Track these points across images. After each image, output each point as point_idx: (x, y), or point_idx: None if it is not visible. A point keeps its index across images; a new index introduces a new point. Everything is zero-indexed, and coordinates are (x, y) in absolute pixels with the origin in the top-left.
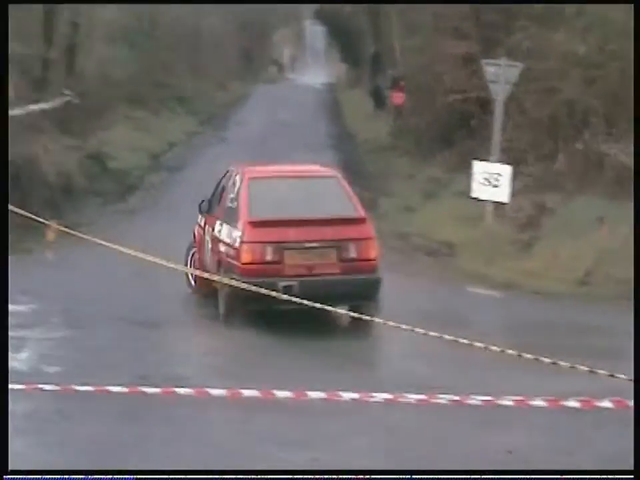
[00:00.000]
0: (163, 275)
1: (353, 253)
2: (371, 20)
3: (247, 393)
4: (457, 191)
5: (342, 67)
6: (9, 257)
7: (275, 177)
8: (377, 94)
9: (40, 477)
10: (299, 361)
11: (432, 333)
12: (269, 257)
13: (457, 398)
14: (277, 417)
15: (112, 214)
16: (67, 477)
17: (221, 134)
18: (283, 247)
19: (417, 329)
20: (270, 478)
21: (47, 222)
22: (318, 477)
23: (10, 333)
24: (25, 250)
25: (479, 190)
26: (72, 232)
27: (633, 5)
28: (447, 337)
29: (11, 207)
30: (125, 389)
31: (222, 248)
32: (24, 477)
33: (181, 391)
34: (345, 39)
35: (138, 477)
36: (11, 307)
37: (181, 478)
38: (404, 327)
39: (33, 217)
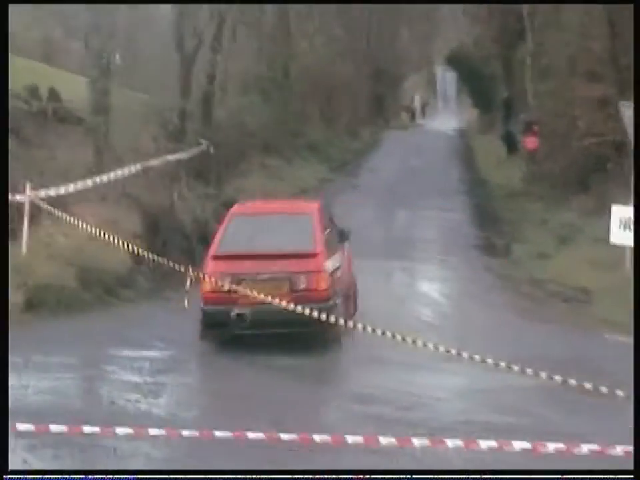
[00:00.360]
0: None
1: (303, 284)
2: (503, 64)
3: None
4: (593, 236)
5: (473, 112)
6: (149, 306)
7: (255, 213)
8: (510, 139)
9: (40, 476)
10: None
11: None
12: (225, 287)
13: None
14: None
15: None
16: (66, 477)
17: (352, 181)
18: (238, 278)
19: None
20: (270, 478)
21: (184, 270)
22: (318, 476)
23: (148, 379)
24: (164, 298)
25: (617, 235)
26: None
27: (632, 4)
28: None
29: (151, 256)
30: (261, 435)
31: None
32: (24, 476)
33: (317, 437)
34: (477, 84)
35: (138, 477)
36: (148, 353)
37: (180, 478)
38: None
39: (173, 265)
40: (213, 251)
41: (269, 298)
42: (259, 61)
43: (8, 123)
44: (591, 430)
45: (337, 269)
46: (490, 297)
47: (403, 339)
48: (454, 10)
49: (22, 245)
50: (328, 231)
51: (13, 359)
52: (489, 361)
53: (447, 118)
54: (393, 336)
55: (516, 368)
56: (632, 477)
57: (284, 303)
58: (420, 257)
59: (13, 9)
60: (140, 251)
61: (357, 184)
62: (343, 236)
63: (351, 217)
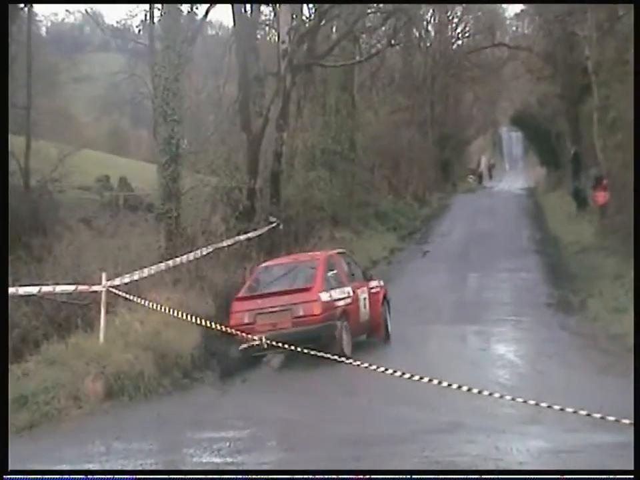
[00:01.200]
0: (378, 389)
1: (301, 312)
2: (569, 121)
3: None
4: None
5: (541, 170)
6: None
7: (275, 264)
8: (579, 195)
9: (40, 477)
10: None
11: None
12: (246, 320)
13: None
14: None
15: None
16: (66, 476)
17: (422, 247)
18: (255, 313)
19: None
20: (270, 478)
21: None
22: (318, 476)
23: (228, 459)
24: (240, 378)
25: None
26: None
27: (633, 4)
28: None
29: (228, 331)
30: None
31: None
32: (24, 476)
33: None
34: (543, 142)
35: (138, 477)
36: (227, 434)
37: (180, 478)
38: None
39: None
40: (238, 294)
41: (277, 325)
42: (325, 134)
43: (8, 123)
44: None
45: (342, 299)
46: (567, 355)
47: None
48: (517, 68)
49: (99, 335)
50: (334, 272)
51: (95, 448)
52: (581, 412)
53: (515, 178)
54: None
55: (611, 418)
56: (632, 477)
57: (288, 327)
58: (494, 319)
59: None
60: (217, 326)
61: (427, 250)
62: (365, 275)
63: (423, 283)
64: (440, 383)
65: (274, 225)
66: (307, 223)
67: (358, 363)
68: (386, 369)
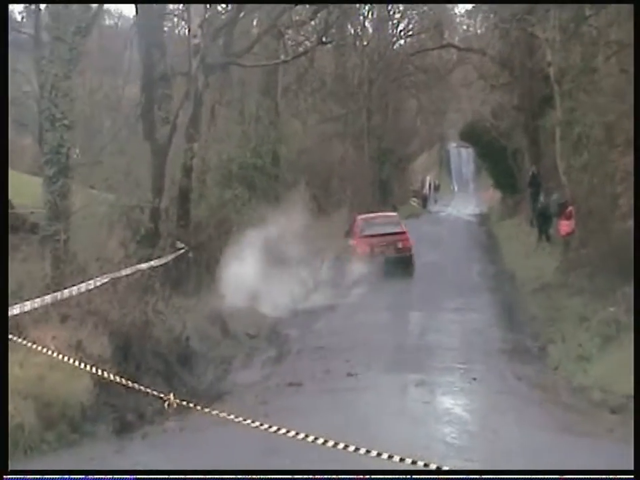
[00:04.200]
0: (304, 449)
1: (400, 245)
2: (528, 137)
3: None
4: None
5: (495, 194)
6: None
7: (370, 217)
8: (540, 223)
9: (40, 476)
10: None
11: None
12: (368, 251)
13: None
14: None
15: (236, 384)
16: (66, 476)
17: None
18: (373, 246)
19: None
20: (270, 478)
21: (163, 397)
22: (318, 476)
23: None
24: (138, 432)
25: None
26: (192, 406)
27: (633, 4)
28: None
29: (124, 382)
30: None
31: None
32: (24, 476)
33: None
34: (498, 160)
35: (138, 477)
36: None
37: (180, 478)
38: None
39: (149, 390)
40: (357, 234)
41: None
42: (243, 146)
43: (8, 123)
44: None
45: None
46: (524, 411)
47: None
48: (468, 74)
49: None
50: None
51: None
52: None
53: (464, 202)
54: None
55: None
56: (632, 477)
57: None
58: (439, 368)
59: None
60: (110, 376)
61: (365, 282)
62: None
63: (355, 324)
64: (325, 442)
65: (182, 251)
66: (220, 250)
67: (250, 421)
68: (270, 427)
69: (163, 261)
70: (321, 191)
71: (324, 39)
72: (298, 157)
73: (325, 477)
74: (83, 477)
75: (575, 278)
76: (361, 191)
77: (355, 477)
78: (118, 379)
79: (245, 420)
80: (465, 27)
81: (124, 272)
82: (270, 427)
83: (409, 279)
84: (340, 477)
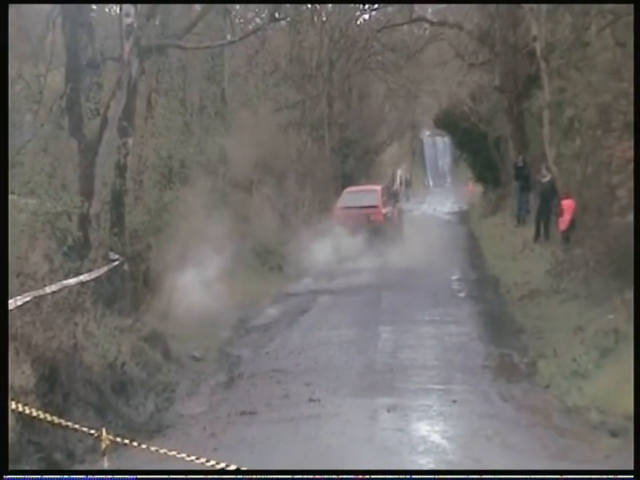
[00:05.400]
0: None
1: (373, 217)
2: (512, 122)
3: None
4: None
5: (475, 189)
6: None
7: (353, 191)
8: (538, 218)
9: (40, 476)
10: None
11: None
12: (343, 221)
13: None
14: None
15: (181, 415)
16: (66, 477)
17: (318, 293)
18: (348, 215)
19: None
20: (270, 478)
21: (94, 432)
22: (318, 476)
23: None
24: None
25: None
26: (127, 442)
27: (633, 4)
28: None
29: (49, 417)
30: None
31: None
32: (24, 476)
33: None
34: (478, 150)
35: (138, 477)
36: None
37: (180, 478)
38: None
39: (77, 427)
40: (339, 205)
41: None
42: (185, 140)
43: (8, 123)
44: None
45: (388, 212)
46: (511, 436)
47: None
48: (442, 52)
49: None
50: (385, 197)
51: None
52: None
53: (441, 198)
54: None
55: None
56: (632, 477)
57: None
58: (414, 389)
59: None
60: (33, 411)
61: (331, 289)
62: (395, 198)
63: (318, 341)
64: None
65: (116, 263)
66: (161, 261)
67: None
68: (217, 463)
69: (94, 274)
70: (276, 190)
71: (277, 15)
72: (248, 152)
73: (325, 476)
74: (83, 476)
75: (568, 282)
76: (322, 188)
77: (355, 476)
78: (42, 414)
79: (189, 456)
80: None
81: (49, 289)
82: (217, 463)
83: (379, 289)
84: (340, 476)
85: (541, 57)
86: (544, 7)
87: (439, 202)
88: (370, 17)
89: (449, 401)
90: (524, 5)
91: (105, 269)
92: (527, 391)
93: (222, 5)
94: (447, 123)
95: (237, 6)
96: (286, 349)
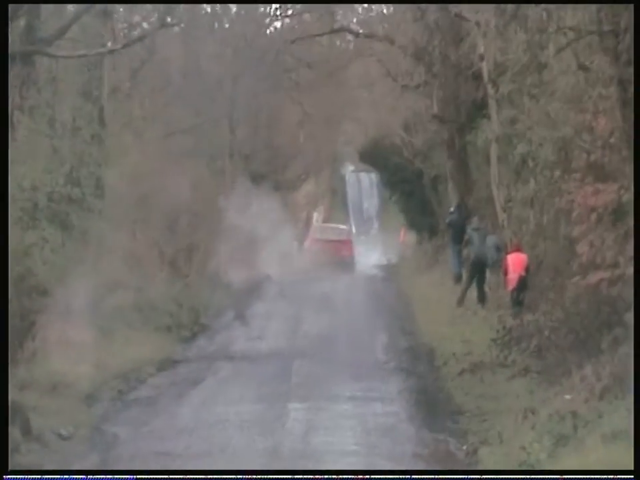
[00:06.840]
0: None
1: (344, 252)
2: (452, 158)
3: None
4: (608, 431)
5: (407, 237)
6: None
7: (325, 227)
8: (470, 276)
9: (40, 476)
10: None
11: None
12: (317, 252)
13: None
14: None
15: None
16: (66, 476)
17: (214, 360)
18: (322, 248)
19: None
20: (270, 478)
21: None
22: (318, 476)
23: None
24: None
25: None
26: None
27: (632, 4)
28: None
29: None
30: None
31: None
32: (24, 476)
33: None
34: (412, 190)
35: (138, 477)
36: None
37: (180, 478)
38: None
39: None
40: (312, 237)
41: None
42: (54, 170)
43: (8, 123)
44: None
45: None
46: None
47: None
48: (370, 70)
49: None
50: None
51: None
52: None
53: (366, 248)
54: None
55: None
56: (632, 477)
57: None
58: None
59: None
60: None
61: (235, 353)
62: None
63: (212, 421)
64: None
65: None
66: (21, 316)
67: None
68: None
69: None
70: (165, 234)
71: (168, 20)
72: (131, 186)
73: (325, 476)
74: (83, 476)
75: (518, 354)
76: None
77: (355, 476)
78: None
79: None
80: (365, 6)
81: None
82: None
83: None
84: (340, 476)
85: (488, 81)
86: (493, 21)
87: (363, 253)
88: (282, 24)
89: None
90: (469, 17)
91: None
92: None
93: (101, 6)
94: (374, 156)
95: (120, 7)
96: (174, 428)
